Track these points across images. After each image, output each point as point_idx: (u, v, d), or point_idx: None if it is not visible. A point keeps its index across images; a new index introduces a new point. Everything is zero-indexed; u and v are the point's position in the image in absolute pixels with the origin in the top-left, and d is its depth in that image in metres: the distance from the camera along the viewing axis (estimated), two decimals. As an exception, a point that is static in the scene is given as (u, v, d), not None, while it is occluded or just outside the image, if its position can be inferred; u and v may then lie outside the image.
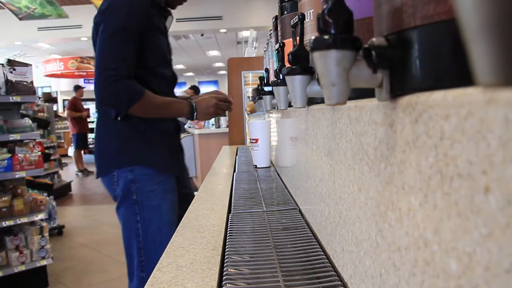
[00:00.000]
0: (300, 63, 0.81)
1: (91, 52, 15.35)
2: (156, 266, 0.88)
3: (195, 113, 1.96)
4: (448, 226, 0.36)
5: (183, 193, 2.06)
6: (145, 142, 1.84)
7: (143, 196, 1.81)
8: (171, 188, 1.91)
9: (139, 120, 1.82)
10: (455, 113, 0.34)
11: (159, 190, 1.84)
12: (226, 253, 0.95)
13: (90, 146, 11.30)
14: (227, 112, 2.26)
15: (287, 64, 0.85)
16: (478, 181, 0.31)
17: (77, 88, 10.38)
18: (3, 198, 3.46)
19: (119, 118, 1.80)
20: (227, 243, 1.02)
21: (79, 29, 10.54)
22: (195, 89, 8.11)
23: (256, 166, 2.23)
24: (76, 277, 3.92)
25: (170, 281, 0.80)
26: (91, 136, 12.55)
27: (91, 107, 16.14)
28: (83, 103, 10.88)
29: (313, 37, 0.46)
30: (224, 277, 0.82)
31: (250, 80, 4.42)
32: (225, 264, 0.89)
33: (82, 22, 10.37)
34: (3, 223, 3.38)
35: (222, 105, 2.04)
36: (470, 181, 0.32)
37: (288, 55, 0.81)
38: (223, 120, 6.59)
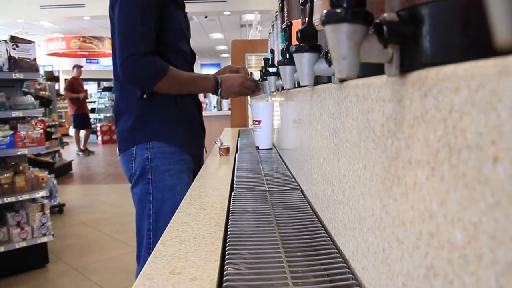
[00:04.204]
0: (309, 41, 0.81)
1: (94, 32, 15.33)
2: (160, 240, 0.89)
3: (220, 90, 1.92)
4: (455, 197, 0.37)
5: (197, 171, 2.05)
6: (163, 118, 1.80)
7: (158, 175, 1.78)
8: (187, 169, 1.88)
9: (158, 97, 1.79)
10: (466, 85, 0.34)
11: (175, 170, 1.81)
12: (228, 229, 0.96)
13: (92, 126, 11.32)
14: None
15: (295, 43, 0.85)
16: (486, 152, 0.31)
17: (76, 67, 10.30)
18: (5, 175, 3.47)
19: (145, 96, 1.77)
20: (229, 220, 1.03)
21: (82, 8, 10.45)
22: None
23: (258, 147, 2.23)
24: (76, 255, 3.95)
25: (174, 254, 0.81)
26: (92, 116, 12.56)
27: (93, 87, 16.13)
28: (84, 83, 10.83)
29: (325, 11, 0.46)
30: (227, 252, 0.83)
31: (253, 63, 4.41)
32: (228, 240, 0.90)
33: (85, 1, 10.29)
34: (5, 199, 3.40)
35: (248, 84, 1.97)
36: (478, 152, 0.33)
37: (297, 32, 0.81)
38: (225, 103, 6.58)
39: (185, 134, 1.87)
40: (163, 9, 1.74)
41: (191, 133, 1.93)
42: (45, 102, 6.51)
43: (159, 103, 1.81)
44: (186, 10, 1.97)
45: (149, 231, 1.78)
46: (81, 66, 10.60)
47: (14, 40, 3.66)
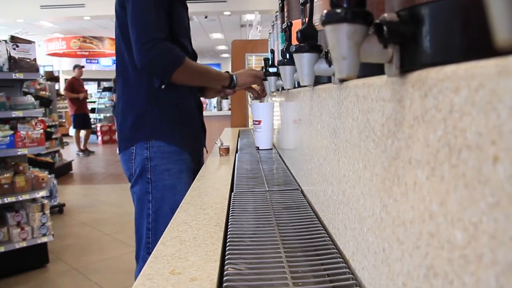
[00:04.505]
0: (309, 41, 0.81)
1: (94, 32, 15.33)
2: (160, 240, 0.89)
3: (234, 76, 1.99)
4: (455, 197, 0.37)
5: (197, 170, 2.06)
6: (163, 117, 1.80)
7: (157, 175, 1.78)
8: (187, 168, 1.87)
9: (159, 94, 1.79)
10: (466, 85, 0.34)
11: (174, 170, 1.81)
12: (229, 229, 0.96)
13: (92, 126, 11.31)
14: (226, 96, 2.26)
15: (295, 43, 0.85)
16: (486, 152, 0.31)
17: (77, 67, 10.29)
18: (5, 175, 3.47)
19: (163, 87, 1.77)
20: (230, 220, 1.03)
21: (82, 8, 10.45)
22: None
23: (258, 147, 2.23)
24: (76, 255, 3.95)
25: (174, 254, 0.81)
26: (92, 116, 12.55)
27: (93, 87, 16.12)
28: (84, 83, 10.82)
29: (325, 11, 0.46)
30: (227, 252, 0.83)
31: (253, 63, 4.41)
32: (228, 240, 0.90)
33: (85, 1, 10.29)
34: (5, 199, 3.40)
35: (259, 74, 2.06)
36: (478, 152, 0.33)
37: (297, 32, 0.81)
38: (225, 103, 6.59)
39: (185, 133, 1.86)
40: (171, 6, 1.76)
41: (191, 132, 1.93)
42: (45, 102, 6.51)
43: (160, 102, 1.80)
44: None
45: (148, 230, 1.78)
46: (82, 66, 10.59)
47: (14, 40, 3.66)
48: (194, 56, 2.01)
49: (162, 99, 1.80)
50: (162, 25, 1.67)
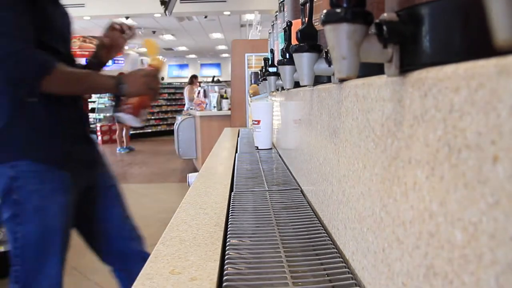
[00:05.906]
0: (308, 40, 0.81)
1: (94, 32, 15.32)
2: (160, 240, 0.89)
3: (123, 86, 1.63)
4: (455, 197, 0.37)
5: (105, 186, 1.89)
6: (32, 131, 1.54)
7: (25, 195, 1.51)
8: (62, 188, 1.59)
9: (29, 103, 1.52)
10: (466, 85, 0.34)
11: (46, 190, 1.54)
12: (228, 229, 0.96)
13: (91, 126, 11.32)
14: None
15: (295, 43, 0.85)
16: (486, 151, 0.31)
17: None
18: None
19: (30, 100, 1.50)
20: (229, 220, 1.03)
21: (82, 8, 10.44)
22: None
23: (257, 147, 2.23)
24: (76, 255, 3.94)
25: (174, 254, 0.81)
26: (92, 116, 12.57)
27: (93, 87, 16.09)
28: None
29: (325, 11, 0.46)
30: (227, 251, 0.83)
31: (253, 63, 4.41)
32: (228, 239, 0.90)
33: (85, 1, 10.29)
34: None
35: (150, 80, 1.69)
36: (478, 151, 0.33)
37: (297, 32, 0.81)
38: (225, 103, 6.59)
39: (60, 149, 1.61)
40: (34, 5, 1.49)
41: (68, 147, 1.65)
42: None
43: (29, 111, 1.54)
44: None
45: (16, 256, 1.54)
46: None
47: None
48: (70, 60, 1.72)
49: (34, 108, 1.54)
50: (22, 33, 1.43)
